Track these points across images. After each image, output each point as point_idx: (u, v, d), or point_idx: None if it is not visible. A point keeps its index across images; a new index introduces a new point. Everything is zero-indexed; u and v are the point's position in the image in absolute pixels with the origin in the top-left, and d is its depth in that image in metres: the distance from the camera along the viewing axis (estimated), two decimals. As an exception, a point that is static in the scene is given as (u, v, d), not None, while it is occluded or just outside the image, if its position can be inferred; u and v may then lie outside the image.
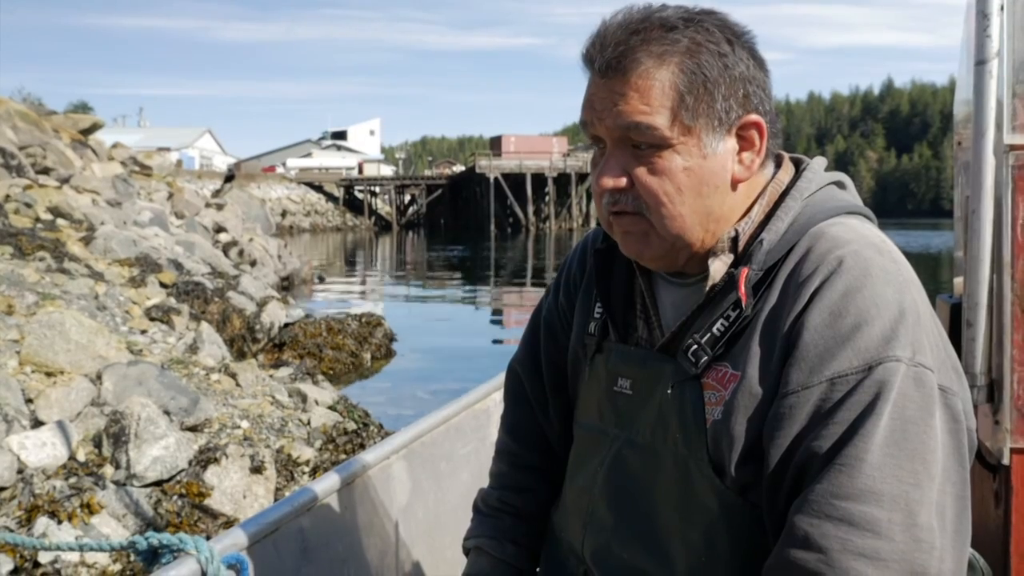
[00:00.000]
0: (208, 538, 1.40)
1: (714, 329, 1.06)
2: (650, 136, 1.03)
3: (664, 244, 1.08)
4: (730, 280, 1.05)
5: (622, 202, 1.07)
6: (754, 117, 1.06)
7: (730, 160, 1.07)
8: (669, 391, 1.09)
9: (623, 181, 1.06)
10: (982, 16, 1.55)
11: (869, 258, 1.01)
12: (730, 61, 1.04)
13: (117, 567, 3.71)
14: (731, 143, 1.06)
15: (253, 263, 15.46)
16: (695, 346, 1.07)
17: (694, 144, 1.04)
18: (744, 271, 1.04)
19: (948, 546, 0.94)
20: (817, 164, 1.14)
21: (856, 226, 1.07)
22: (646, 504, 1.12)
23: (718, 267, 1.07)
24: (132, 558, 3.67)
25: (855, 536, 0.92)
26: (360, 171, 67.79)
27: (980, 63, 1.56)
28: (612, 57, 1.03)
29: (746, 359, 1.03)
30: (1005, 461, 1.62)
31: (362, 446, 5.23)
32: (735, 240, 1.08)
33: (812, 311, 0.99)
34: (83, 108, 57.36)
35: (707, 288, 1.07)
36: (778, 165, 1.14)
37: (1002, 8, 1.56)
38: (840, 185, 1.15)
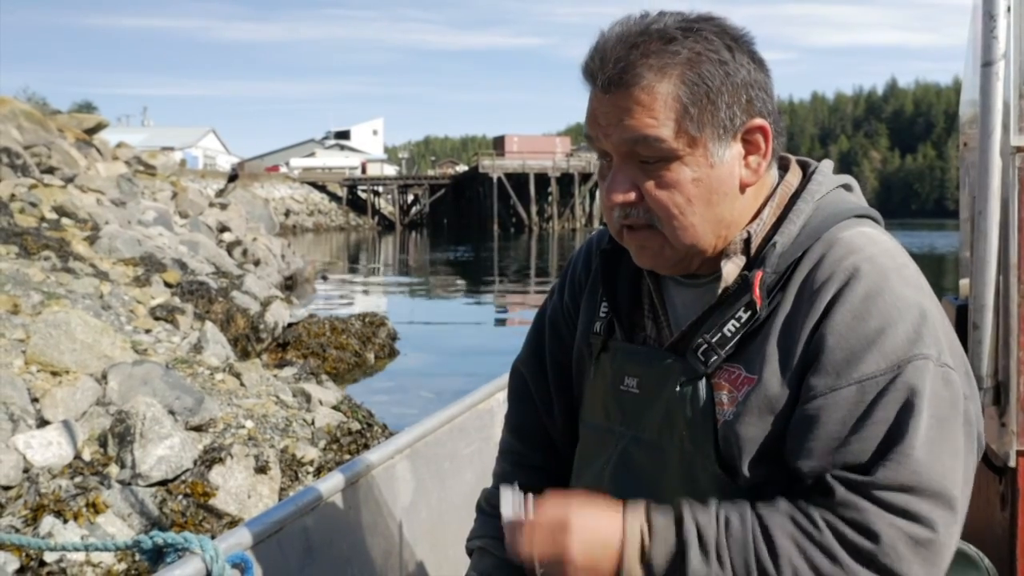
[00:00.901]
0: (213, 537, 1.41)
1: (725, 329, 1.06)
2: (657, 149, 1.04)
3: (678, 254, 1.09)
4: (743, 282, 1.06)
5: (633, 215, 1.08)
6: (758, 121, 1.07)
7: (737, 165, 1.07)
8: (677, 389, 1.09)
9: (632, 195, 1.07)
10: (988, 18, 1.54)
11: (885, 263, 1.03)
12: (731, 68, 1.04)
13: (122, 566, 3.72)
14: (737, 148, 1.07)
15: (257, 263, 15.48)
16: (705, 345, 1.07)
17: (701, 154, 1.05)
18: (759, 274, 1.05)
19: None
20: (825, 167, 1.16)
21: (868, 231, 1.08)
22: (652, 501, 1.11)
23: (731, 269, 1.08)
24: (137, 557, 3.68)
25: (905, 526, 0.96)
26: (363, 171, 67.86)
27: (987, 65, 1.56)
28: (613, 73, 1.03)
29: (762, 362, 1.04)
30: (1011, 463, 1.62)
31: (366, 446, 5.22)
32: (747, 242, 1.09)
33: (834, 316, 1.01)
34: (87, 108, 57.49)
35: (720, 290, 1.08)
36: (783, 167, 1.15)
37: (1009, 10, 1.55)
38: (847, 188, 1.16)
